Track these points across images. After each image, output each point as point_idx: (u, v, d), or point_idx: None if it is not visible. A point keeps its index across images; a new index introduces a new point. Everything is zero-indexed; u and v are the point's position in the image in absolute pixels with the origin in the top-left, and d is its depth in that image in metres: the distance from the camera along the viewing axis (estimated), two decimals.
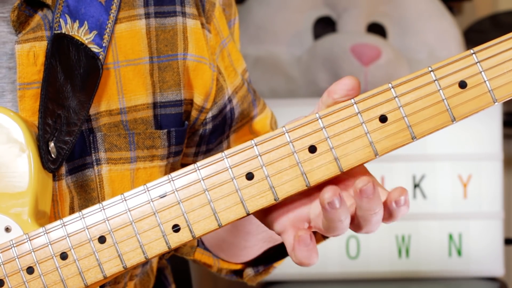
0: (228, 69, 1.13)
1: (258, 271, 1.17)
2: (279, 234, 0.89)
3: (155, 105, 1.05)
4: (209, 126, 1.12)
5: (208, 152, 1.14)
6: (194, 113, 1.09)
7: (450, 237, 2.27)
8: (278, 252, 1.14)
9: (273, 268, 1.17)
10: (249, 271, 1.18)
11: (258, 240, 1.11)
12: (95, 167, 1.02)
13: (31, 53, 0.99)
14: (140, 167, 1.05)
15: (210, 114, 1.11)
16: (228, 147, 1.15)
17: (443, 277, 2.29)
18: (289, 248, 0.87)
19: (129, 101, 1.04)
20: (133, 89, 1.04)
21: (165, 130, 1.06)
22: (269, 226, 0.90)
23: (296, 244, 0.85)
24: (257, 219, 0.92)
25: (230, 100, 1.13)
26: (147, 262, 1.17)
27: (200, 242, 1.17)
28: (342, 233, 0.86)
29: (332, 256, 2.26)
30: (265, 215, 0.90)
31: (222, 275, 1.20)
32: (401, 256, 2.27)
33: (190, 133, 1.12)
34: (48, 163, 0.95)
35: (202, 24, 1.08)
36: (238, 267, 1.18)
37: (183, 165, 1.11)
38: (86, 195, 1.02)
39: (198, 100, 1.09)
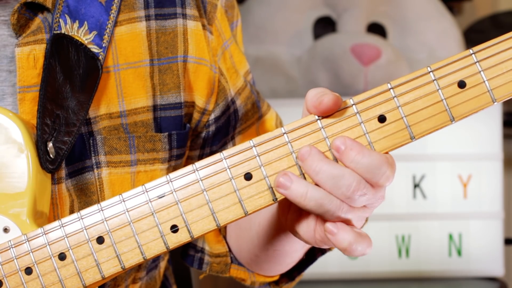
0: (230, 71, 1.13)
1: (293, 278, 1.17)
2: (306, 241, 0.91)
3: (155, 108, 1.05)
4: (212, 128, 1.11)
5: (212, 154, 1.14)
6: (196, 115, 1.09)
7: (450, 237, 2.27)
8: (309, 257, 1.14)
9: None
10: (285, 280, 1.18)
11: (297, 257, 1.11)
12: (95, 170, 1.02)
13: (31, 56, 0.98)
14: (140, 170, 1.05)
15: (212, 116, 1.10)
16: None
17: (443, 277, 2.29)
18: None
19: (129, 104, 1.04)
20: (133, 92, 1.04)
21: (166, 133, 1.05)
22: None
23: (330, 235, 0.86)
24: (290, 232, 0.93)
25: (233, 102, 1.12)
26: (156, 266, 1.17)
27: (233, 259, 1.17)
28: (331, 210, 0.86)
29: (332, 256, 2.26)
30: (292, 229, 0.91)
31: (254, 286, 1.20)
32: (401, 256, 2.27)
33: (193, 136, 1.12)
34: (47, 163, 0.94)
35: (203, 25, 1.08)
36: (274, 278, 1.18)
37: None
38: (86, 199, 1.02)
39: (200, 102, 1.08)
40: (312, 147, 0.85)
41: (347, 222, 0.87)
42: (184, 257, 1.19)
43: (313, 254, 1.12)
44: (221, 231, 1.16)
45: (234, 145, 1.15)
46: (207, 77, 1.08)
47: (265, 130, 1.18)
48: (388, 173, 0.85)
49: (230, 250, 1.17)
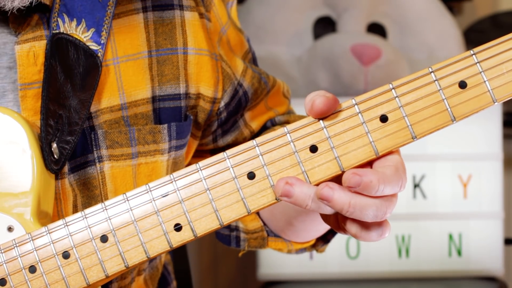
0: (229, 55, 1.14)
1: (328, 240, 1.19)
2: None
3: (154, 99, 1.06)
4: (224, 114, 1.13)
5: (225, 134, 1.16)
6: (206, 106, 1.10)
7: (450, 237, 2.27)
8: None
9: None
10: (320, 243, 1.20)
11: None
12: (97, 164, 1.02)
13: (31, 53, 0.99)
14: (141, 162, 1.05)
15: (222, 103, 1.12)
16: (245, 124, 1.17)
17: (443, 277, 2.29)
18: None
19: (129, 96, 1.04)
20: (133, 84, 1.04)
21: (165, 125, 1.06)
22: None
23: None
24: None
25: (240, 85, 1.14)
26: (154, 258, 1.17)
27: (269, 232, 1.18)
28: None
29: (332, 256, 2.27)
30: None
31: (291, 253, 1.22)
32: (401, 256, 2.28)
33: (206, 125, 1.13)
34: (51, 164, 0.95)
35: (200, 14, 1.09)
36: (311, 243, 1.20)
37: (201, 153, 1.13)
38: (89, 193, 1.02)
39: (208, 92, 1.09)
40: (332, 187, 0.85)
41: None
42: (220, 237, 1.20)
43: None
44: None
45: (244, 121, 1.17)
46: (210, 66, 1.09)
47: (273, 102, 1.20)
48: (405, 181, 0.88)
49: (264, 224, 1.18)
